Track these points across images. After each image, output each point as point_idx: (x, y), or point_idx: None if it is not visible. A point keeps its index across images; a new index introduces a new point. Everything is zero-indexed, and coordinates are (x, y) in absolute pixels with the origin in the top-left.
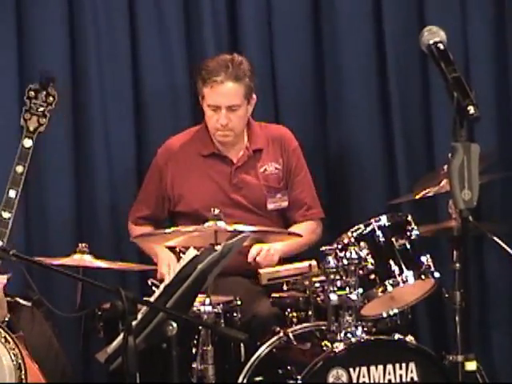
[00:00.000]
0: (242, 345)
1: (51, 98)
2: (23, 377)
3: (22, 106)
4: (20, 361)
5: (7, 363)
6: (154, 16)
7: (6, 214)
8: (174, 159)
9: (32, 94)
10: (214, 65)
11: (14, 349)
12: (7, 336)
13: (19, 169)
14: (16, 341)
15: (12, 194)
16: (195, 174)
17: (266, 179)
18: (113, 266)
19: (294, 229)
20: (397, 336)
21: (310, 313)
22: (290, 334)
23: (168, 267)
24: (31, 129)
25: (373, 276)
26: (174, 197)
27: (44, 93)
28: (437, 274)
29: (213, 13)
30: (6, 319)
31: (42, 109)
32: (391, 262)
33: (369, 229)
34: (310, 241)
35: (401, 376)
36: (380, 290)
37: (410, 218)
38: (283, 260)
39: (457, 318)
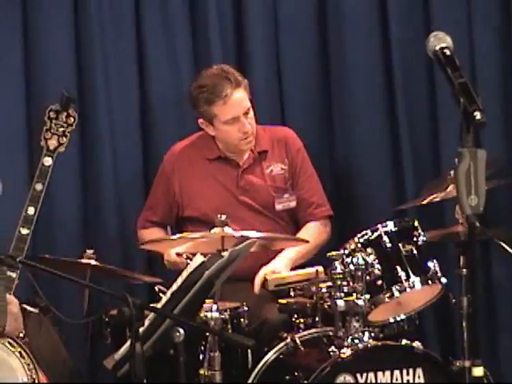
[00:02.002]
0: (249, 351)
1: (72, 119)
2: None
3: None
4: (35, 376)
5: (22, 378)
6: (160, 22)
7: (24, 231)
8: (180, 165)
9: (53, 114)
10: (212, 81)
11: (29, 364)
12: (22, 351)
13: (38, 186)
14: (31, 356)
15: (31, 211)
16: (202, 179)
17: (272, 180)
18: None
19: (301, 233)
20: (404, 342)
21: (317, 319)
22: (297, 340)
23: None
24: (51, 148)
25: (380, 282)
26: (182, 202)
27: (65, 114)
28: (444, 280)
29: (219, 17)
30: (21, 335)
31: (62, 129)
32: (398, 268)
33: (375, 234)
34: (321, 242)
35: (408, 381)
36: (387, 295)
37: (416, 223)
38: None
39: (464, 324)
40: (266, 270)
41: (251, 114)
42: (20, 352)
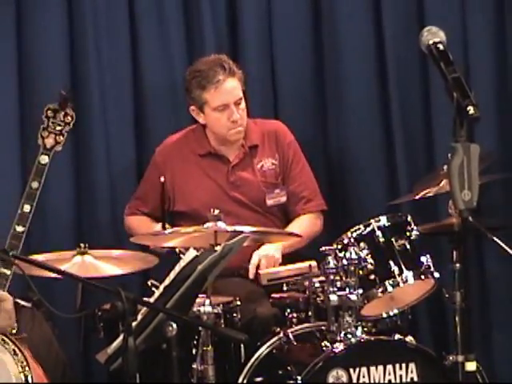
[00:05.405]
0: (241, 345)
1: (69, 118)
2: None
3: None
4: (28, 373)
5: (15, 376)
6: (154, 16)
7: (19, 228)
8: (172, 159)
9: (51, 113)
10: (208, 67)
11: (22, 361)
12: (16, 348)
13: (34, 184)
14: (25, 353)
15: (27, 208)
16: (193, 174)
17: (263, 175)
18: (114, 270)
19: (293, 224)
20: (397, 336)
21: (309, 313)
22: (290, 335)
23: None
24: (48, 146)
25: (373, 276)
26: (173, 196)
27: (62, 113)
28: (437, 274)
29: (212, 11)
30: (14, 331)
31: (59, 128)
32: (391, 263)
33: (368, 229)
34: (312, 234)
35: (401, 376)
36: (380, 290)
37: (409, 218)
38: (283, 260)
39: (457, 319)
40: (259, 254)
41: (243, 105)
42: (14, 349)
